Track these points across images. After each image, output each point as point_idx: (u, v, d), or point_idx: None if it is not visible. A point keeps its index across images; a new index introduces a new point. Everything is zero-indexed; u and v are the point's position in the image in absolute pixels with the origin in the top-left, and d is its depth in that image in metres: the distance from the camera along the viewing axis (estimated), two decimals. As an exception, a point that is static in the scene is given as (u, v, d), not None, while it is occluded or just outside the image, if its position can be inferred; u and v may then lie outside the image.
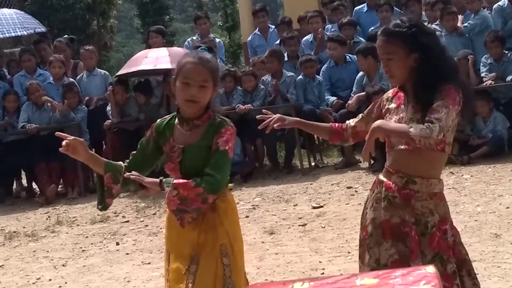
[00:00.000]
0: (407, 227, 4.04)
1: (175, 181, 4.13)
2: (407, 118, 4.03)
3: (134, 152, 4.50)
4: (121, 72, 12.24)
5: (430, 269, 2.81)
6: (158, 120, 4.48)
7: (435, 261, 3.97)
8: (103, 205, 4.48)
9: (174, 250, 4.37)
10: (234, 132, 4.29)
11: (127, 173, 4.25)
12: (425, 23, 12.09)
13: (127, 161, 4.47)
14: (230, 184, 4.50)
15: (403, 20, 4.09)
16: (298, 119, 4.64)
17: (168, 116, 4.47)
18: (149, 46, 13.13)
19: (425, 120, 3.84)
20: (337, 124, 4.50)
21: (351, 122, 4.45)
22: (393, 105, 4.16)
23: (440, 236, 4.03)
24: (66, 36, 14.96)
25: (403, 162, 4.09)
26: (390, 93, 4.28)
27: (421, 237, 4.01)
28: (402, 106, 4.09)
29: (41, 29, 15.28)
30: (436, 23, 12.07)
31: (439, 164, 4.12)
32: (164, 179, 4.17)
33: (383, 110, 4.22)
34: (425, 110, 3.90)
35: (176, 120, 4.36)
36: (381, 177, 4.22)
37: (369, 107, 4.39)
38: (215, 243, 4.27)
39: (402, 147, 4.04)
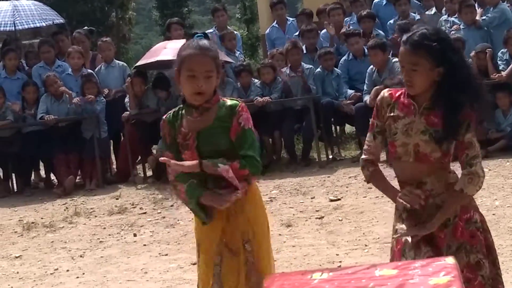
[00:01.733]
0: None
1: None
2: (417, 129, 4.00)
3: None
4: (140, 63, 12.23)
5: (450, 260, 2.81)
6: (164, 116, 4.46)
7: (460, 251, 3.98)
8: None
9: (203, 245, 4.39)
10: (247, 109, 4.31)
11: (161, 158, 4.26)
12: (445, 16, 12.13)
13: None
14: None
15: (430, 31, 3.99)
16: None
17: (172, 110, 4.46)
18: (169, 38, 13.10)
19: (463, 161, 3.95)
20: (374, 167, 4.27)
21: (371, 146, 4.24)
22: (398, 113, 4.08)
23: (462, 225, 4.02)
24: (86, 27, 14.96)
25: (410, 173, 4.09)
26: (387, 97, 4.17)
27: (445, 229, 4.00)
28: (412, 116, 4.03)
29: (60, 20, 15.31)
30: (455, 16, 12.03)
31: (445, 167, 4.10)
32: (208, 160, 4.16)
33: (385, 118, 4.13)
34: (450, 132, 3.93)
35: (183, 111, 4.35)
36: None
37: (372, 122, 4.25)
38: (236, 231, 4.29)
39: (411, 160, 4.03)
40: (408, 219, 4.10)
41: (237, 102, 4.31)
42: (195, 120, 4.28)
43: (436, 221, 3.98)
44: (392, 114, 4.10)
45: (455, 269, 2.70)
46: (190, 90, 4.20)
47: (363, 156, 4.30)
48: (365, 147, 4.29)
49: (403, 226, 4.08)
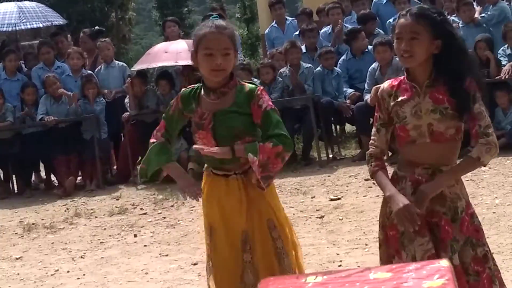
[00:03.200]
0: (436, 217, 4.02)
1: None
2: (426, 110, 3.99)
3: (154, 141, 4.50)
4: (140, 67, 12.19)
5: (444, 263, 2.80)
6: (182, 89, 4.48)
7: (466, 246, 3.98)
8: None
9: (217, 225, 4.39)
10: (266, 92, 4.34)
11: (195, 146, 4.29)
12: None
13: (161, 139, 4.49)
14: None
15: (429, 7, 4.11)
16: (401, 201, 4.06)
17: (190, 86, 4.47)
18: (166, 37, 13.12)
19: (476, 133, 3.93)
20: (379, 164, 4.24)
21: (376, 140, 4.25)
22: (402, 97, 4.08)
23: (468, 220, 4.03)
24: (97, 27, 14.91)
25: (427, 154, 4.05)
26: (388, 87, 4.19)
27: (452, 224, 3.99)
28: (416, 97, 4.03)
29: (61, 21, 15.34)
30: (454, 15, 12.03)
31: (457, 150, 4.11)
32: (244, 146, 4.18)
33: (389, 108, 4.13)
34: (462, 105, 3.93)
35: (202, 91, 4.36)
36: (401, 172, 4.17)
37: (376, 116, 4.25)
38: (261, 219, 4.31)
39: (427, 140, 4.02)
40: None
41: (255, 86, 4.32)
42: (212, 102, 4.29)
43: (441, 183, 3.97)
44: (396, 100, 4.11)
45: (449, 271, 2.69)
46: (208, 68, 4.21)
47: (368, 151, 4.32)
48: (370, 141, 4.31)
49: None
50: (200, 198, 4.39)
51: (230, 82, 4.28)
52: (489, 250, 4.08)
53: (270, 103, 4.25)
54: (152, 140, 4.53)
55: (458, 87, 3.94)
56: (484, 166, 4.04)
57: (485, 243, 4.06)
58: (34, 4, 14.99)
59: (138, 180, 11.52)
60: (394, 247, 4.17)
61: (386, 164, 4.33)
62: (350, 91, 11.78)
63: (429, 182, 4.00)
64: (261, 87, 4.32)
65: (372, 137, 4.30)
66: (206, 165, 4.53)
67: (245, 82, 4.39)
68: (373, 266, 3.14)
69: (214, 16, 4.52)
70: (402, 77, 4.15)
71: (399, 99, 4.10)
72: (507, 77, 10.75)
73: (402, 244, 4.10)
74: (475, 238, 4.01)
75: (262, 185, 4.17)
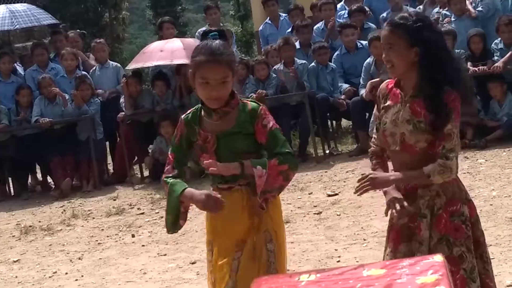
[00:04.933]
0: (414, 222, 4.03)
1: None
2: (403, 118, 4.00)
3: (168, 176, 4.37)
4: (135, 66, 12.15)
5: (438, 258, 2.79)
6: (183, 116, 4.37)
7: (441, 243, 3.97)
8: (177, 228, 4.39)
9: (218, 242, 4.33)
10: (268, 110, 4.28)
11: (206, 162, 4.14)
12: (436, 8, 12.11)
13: (174, 171, 4.36)
14: None
15: (411, 13, 4.10)
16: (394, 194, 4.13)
17: (191, 110, 4.38)
18: (161, 37, 13.09)
19: (438, 152, 3.91)
20: (379, 162, 4.32)
21: (377, 141, 4.30)
22: (389, 103, 4.12)
23: (446, 218, 4.00)
24: (77, 30, 14.98)
25: (397, 162, 4.10)
26: (384, 88, 4.23)
27: (428, 220, 4.00)
28: (398, 105, 4.05)
29: (53, 21, 15.35)
30: (446, 8, 12.02)
31: (430, 162, 4.04)
32: (251, 161, 4.12)
33: (382, 108, 4.17)
34: (437, 118, 3.91)
35: (203, 113, 4.28)
36: None
37: (375, 112, 4.33)
38: (259, 229, 4.25)
39: (397, 148, 4.04)
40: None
41: (258, 105, 4.25)
42: (214, 123, 4.22)
43: (387, 181, 4.03)
44: (385, 104, 4.15)
45: (443, 267, 2.67)
46: (205, 96, 4.15)
47: (369, 148, 4.40)
48: (372, 139, 4.37)
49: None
50: (221, 205, 4.16)
51: (232, 101, 4.21)
52: (467, 251, 4.01)
53: (274, 122, 4.21)
54: (164, 176, 4.38)
55: (436, 102, 3.92)
56: (432, 183, 3.98)
57: (463, 243, 4.00)
58: (25, 6, 14.98)
59: (135, 181, 11.53)
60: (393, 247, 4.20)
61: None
62: (345, 86, 11.78)
63: (382, 175, 4.08)
64: (264, 107, 4.26)
65: (374, 135, 4.34)
66: (212, 180, 4.44)
67: (247, 100, 4.31)
68: (368, 262, 3.13)
69: (213, 34, 4.30)
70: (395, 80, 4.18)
71: (387, 103, 4.13)
72: (501, 68, 10.73)
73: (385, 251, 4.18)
74: (453, 237, 3.98)
75: (263, 204, 4.14)
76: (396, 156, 4.10)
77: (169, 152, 4.44)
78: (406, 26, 3.97)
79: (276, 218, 4.34)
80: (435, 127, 3.92)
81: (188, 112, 4.38)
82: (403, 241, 4.05)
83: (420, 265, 2.74)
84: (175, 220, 4.33)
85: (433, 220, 4.00)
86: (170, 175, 4.35)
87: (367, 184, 4.03)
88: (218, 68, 4.09)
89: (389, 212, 4.11)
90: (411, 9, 12.20)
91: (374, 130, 4.32)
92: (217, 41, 4.19)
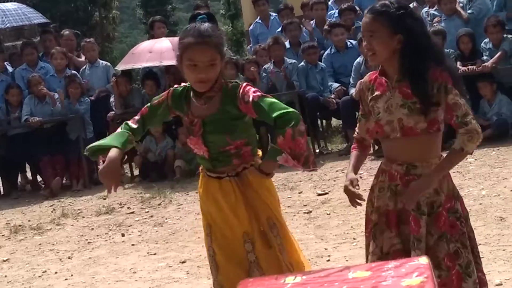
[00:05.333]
0: (407, 212, 4.02)
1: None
2: (396, 104, 3.99)
3: (128, 123, 4.40)
4: (125, 67, 12.11)
5: (423, 260, 2.78)
6: (175, 86, 4.37)
7: (442, 240, 3.96)
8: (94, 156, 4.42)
9: (215, 225, 4.34)
10: (249, 85, 4.23)
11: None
12: (426, 8, 12.14)
13: (131, 125, 4.38)
14: (259, 152, 4.47)
15: (391, 1, 4.05)
16: (353, 177, 4.30)
17: (183, 85, 4.36)
18: (152, 37, 13.09)
19: (455, 124, 3.92)
20: (357, 145, 4.42)
21: (359, 130, 4.37)
22: (377, 93, 4.11)
23: (446, 215, 4.00)
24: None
25: (400, 150, 4.06)
26: (367, 80, 4.23)
27: (427, 217, 3.98)
28: (387, 92, 4.05)
29: (43, 20, 15.34)
30: (435, 8, 12.05)
31: (436, 144, 4.07)
32: (270, 154, 4.13)
33: (368, 100, 4.17)
34: (425, 101, 3.90)
35: (192, 93, 4.27)
36: (383, 166, 4.19)
37: (360, 107, 4.31)
38: (260, 218, 4.27)
39: (398, 135, 4.01)
40: (390, 198, 4.11)
41: (237, 83, 4.23)
42: (200, 107, 4.22)
43: (430, 180, 3.98)
44: (372, 95, 4.14)
45: (428, 269, 2.67)
46: (193, 79, 4.13)
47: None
48: (355, 133, 4.43)
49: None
50: (116, 187, 4.28)
51: (215, 85, 4.19)
52: (462, 247, 4.02)
53: (256, 93, 4.13)
54: (125, 122, 4.42)
55: (419, 83, 3.92)
56: (471, 154, 4.02)
57: (458, 239, 4.01)
58: (15, 5, 14.98)
59: (125, 180, 11.52)
60: (368, 238, 4.22)
61: (372, 157, 4.35)
62: (336, 85, 11.79)
63: (419, 180, 4.00)
64: (243, 84, 4.22)
65: (356, 129, 4.40)
66: (201, 166, 4.47)
67: (229, 81, 4.29)
68: (355, 264, 3.13)
69: (201, 16, 4.32)
70: (378, 71, 4.17)
71: (375, 94, 4.13)
72: (489, 68, 10.77)
73: (374, 235, 4.14)
74: (449, 234, 3.99)
75: (266, 171, 4.22)
76: (397, 144, 4.07)
77: (144, 107, 4.45)
78: (389, 13, 3.96)
79: (270, 200, 4.36)
80: (424, 106, 3.91)
81: (179, 86, 4.37)
82: (402, 223, 4.05)
83: (406, 267, 2.74)
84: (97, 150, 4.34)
85: (432, 218, 3.99)
86: (130, 124, 4.38)
87: (415, 196, 3.98)
88: (206, 50, 4.07)
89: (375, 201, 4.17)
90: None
91: (360, 119, 4.33)
92: (206, 24, 4.18)
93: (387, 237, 4.07)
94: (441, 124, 4.01)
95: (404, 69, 3.98)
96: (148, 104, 4.47)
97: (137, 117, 4.43)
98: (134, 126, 4.38)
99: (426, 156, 4.03)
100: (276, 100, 4.15)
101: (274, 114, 4.03)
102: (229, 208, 4.27)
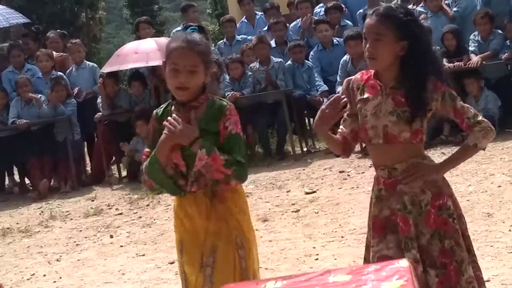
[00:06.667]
0: (394, 215, 4.00)
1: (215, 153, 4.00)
2: (385, 110, 3.96)
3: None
4: (111, 69, 12.06)
5: (403, 263, 2.78)
6: (156, 109, 4.33)
7: (434, 238, 3.95)
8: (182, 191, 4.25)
9: (187, 243, 4.28)
10: (236, 112, 4.18)
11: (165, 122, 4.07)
12: (409, 6, 12.16)
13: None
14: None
15: (396, 5, 4.04)
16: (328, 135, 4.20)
17: (164, 104, 4.34)
18: (138, 37, 13.07)
19: (467, 126, 3.92)
20: (339, 137, 4.26)
21: (343, 128, 4.24)
22: (367, 95, 4.05)
23: (435, 212, 3.98)
24: (58, 31, 14.93)
25: (381, 156, 4.07)
26: (358, 79, 4.16)
27: (418, 217, 3.97)
28: (379, 97, 4.00)
29: (23, 20, 15.33)
30: (421, 5, 12.07)
31: (417, 151, 4.06)
32: (203, 140, 4.02)
33: (356, 100, 4.11)
34: (418, 108, 3.90)
35: (173, 107, 4.22)
36: (375, 173, 4.18)
37: (347, 107, 4.17)
38: (229, 235, 4.18)
39: (380, 141, 3.99)
40: (375, 204, 4.10)
41: (226, 103, 4.16)
42: (182, 118, 4.12)
43: (442, 168, 4.04)
44: (362, 96, 4.08)
45: (408, 272, 2.67)
46: (173, 84, 4.08)
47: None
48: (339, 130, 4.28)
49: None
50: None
51: (201, 96, 4.14)
52: (456, 244, 4.00)
53: (238, 125, 4.12)
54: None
55: (417, 91, 3.90)
56: (483, 150, 4.05)
57: (452, 236, 3.99)
58: (-1, 7, 15.00)
59: (113, 181, 11.50)
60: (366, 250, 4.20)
61: (360, 155, 4.33)
62: (323, 88, 11.76)
63: (431, 165, 4.03)
64: (232, 106, 4.16)
65: (340, 126, 4.26)
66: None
67: (217, 98, 4.24)
68: (334, 268, 3.13)
69: (192, 28, 4.34)
70: (372, 71, 4.11)
71: (365, 96, 4.06)
72: (478, 64, 10.80)
73: (367, 246, 4.15)
74: (443, 230, 3.98)
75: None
76: (378, 150, 4.06)
77: (144, 149, 4.38)
78: (397, 18, 3.91)
79: (245, 223, 4.28)
80: (413, 114, 3.91)
81: (161, 107, 4.34)
82: (390, 232, 4.02)
83: (386, 271, 2.73)
84: (173, 184, 4.20)
85: (422, 217, 3.98)
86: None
87: (420, 174, 3.98)
88: (189, 55, 4.04)
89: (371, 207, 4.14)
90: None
91: (345, 118, 4.22)
92: (195, 33, 4.19)
93: (371, 245, 4.07)
94: (424, 135, 4.03)
95: (403, 77, 3.95)
96: (146, 145, 4.35)
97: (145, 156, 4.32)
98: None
99: (406, 159, 4.01)
100: (244, 149, 4.16)
101: (238, 158, 4.04)
102: (202, 220, 4.22)
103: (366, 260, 4.23)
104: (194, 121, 4.08)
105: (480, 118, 3.94)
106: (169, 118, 4.07)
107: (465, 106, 3.94)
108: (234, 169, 4.02)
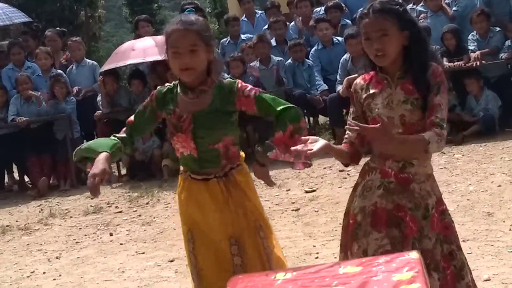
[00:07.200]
0: (402, 212, 3.95)
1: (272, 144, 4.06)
2: (398, 101, 3.93)
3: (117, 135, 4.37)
4: (109, 67, 12.07)
5: (414, 255, 2.78)
6: (158, 87, 4.34)
7: (438, 242, 3.95)
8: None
9: (200, 234, 4.28)
10: (244, 81, 4.23)
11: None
12: (409, 5, 12.17)
13: (118, 135, 4.34)
14: (242, 154, 4.43)
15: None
16: (326, 144, 3.99)
17: (167, 85, 4.33)
18: (138, 36, 13.06)
19: (431, 122, 3.83)
20: (347, 145, 4.21)
21: (349, 132, 4.17)
22: (374, 91, 4.03)
23: (437, 217, 3.98)
24: (57, 28, 14.93)
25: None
26: (361, 81, 4.15)
27: (423, 221, 3.94)
28: (388, 89, 3.98)
29: (24, 19, 15.33)
30: (421, 4, 12.07)
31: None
32: (258, 151, 4.15)
33: (362, 100, 4.08)
34: (425, 90, 3.88)
35: (179, 90, 4.23)
36: (372, 164, 4.10)
37: (350, 111, 4.20)
38: (249, 221, 4.23)
39: (400, 131, 3.92)
40: (382, 196, 4.02)
41: (234, 80, 4.23)
42: (191, 101, 4.16)
43: (392, 140, 3.82)
44: (368, 93, 4.06)
45: (419, 264, 2.67)
46: (177, 67, 4.09)
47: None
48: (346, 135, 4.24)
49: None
50: (97, 193, 4.20)
51: (209, 79, 4.16)
52: (457, 249, 4.02)
53: (256, 88, 4.17)
54: (114, 134, 4.37)
55: (422, 77, 3.90)
56: (426, 152, 3.90)
57: (453, 241, 4.00)
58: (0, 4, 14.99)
59: (112, 179, 11.49)
60: (349, 236, 4.12)
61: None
62: (324, 87, 11.76)
63: (389, 133, 3.81)
64: (240, 80, 4.22)
65: (347, 131, 4.20)
66: (182, 169, 4.40)
67: (222, 78, 4.28)
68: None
69: (188, 9, 4.38)
70: (374, 72, 4.09)
71: (371, 91, 4.04)
72: (478, 63, 10.81)
73: (356, 235, 4.05)
74: (443, 235, 3.97)
75: (262, 162, 4.26)
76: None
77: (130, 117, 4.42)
78: (395, 10, 3.92)
79: (259, 204, 4.36)
80: (424, 104, 3.89)
81: (164, 86, 4.34)
82: (391, 226, 3.97)
83: (396, 262, 2.73)
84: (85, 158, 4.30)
85: (428, 221, 3.95)
86: (118, 135, 4.35)
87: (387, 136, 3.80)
88: (187, 35, 4.06)
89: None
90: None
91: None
92: (190, 15, 4.22)
93: (374, 238, 3.97)
94: None
95: (409, 65, 3.95)
96: (138, 111, 4.39)
97: (124, 128, 4.38)
98: (122, 134, 4.35)
99: (422, 155, 3.96)
100: (276, 97, 4.19)
101: (279, 108, 4.08)
102: (216, 210, 4.21)
103: (343, 246, 4.19)
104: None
105: (445, 124, 3.86)
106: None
107: (442, 106, 3.87)
108: (290, 122, 4.06)
